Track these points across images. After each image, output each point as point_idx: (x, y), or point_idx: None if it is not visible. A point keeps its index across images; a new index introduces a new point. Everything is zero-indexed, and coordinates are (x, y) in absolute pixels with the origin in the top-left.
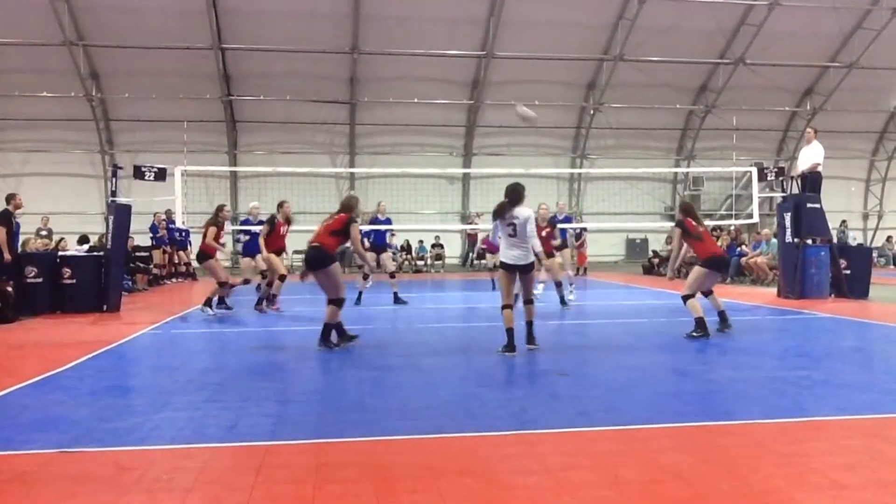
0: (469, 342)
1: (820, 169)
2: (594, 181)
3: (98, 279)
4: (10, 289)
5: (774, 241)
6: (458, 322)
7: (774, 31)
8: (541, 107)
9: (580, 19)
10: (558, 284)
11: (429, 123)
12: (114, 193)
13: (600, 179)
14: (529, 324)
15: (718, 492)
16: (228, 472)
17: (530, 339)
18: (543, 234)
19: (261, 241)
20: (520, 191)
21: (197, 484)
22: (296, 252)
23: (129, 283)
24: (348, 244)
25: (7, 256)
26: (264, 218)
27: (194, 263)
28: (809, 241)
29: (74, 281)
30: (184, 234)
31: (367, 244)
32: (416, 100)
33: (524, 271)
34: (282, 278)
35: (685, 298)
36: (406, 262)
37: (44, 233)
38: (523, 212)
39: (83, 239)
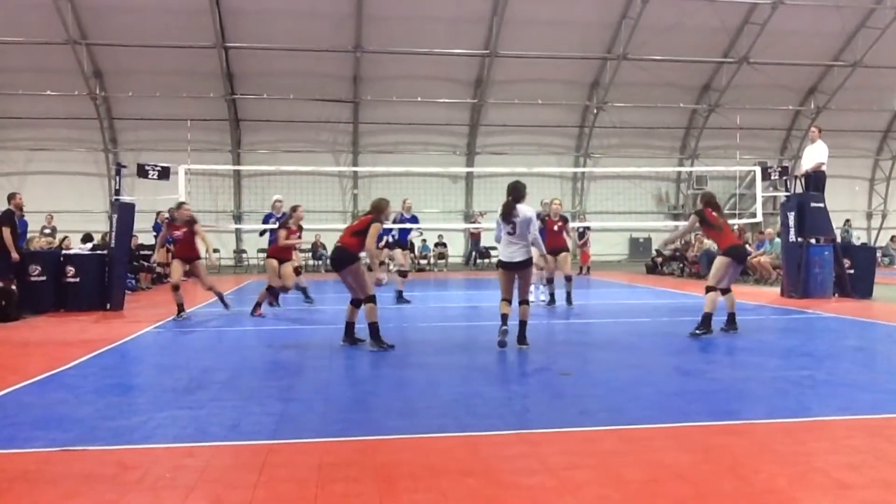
0: (471, 341)
1: (824, 168)
2: (597, 180)
3: (101, 278)
4: (13, 287)
5: (778, 240)
6: (461, 321)
7: (778, 29)
8: (544, 106)
9: (583, 18)
10: (568, 279)
11: (432, 122)
12: (117, 192)
13: (603, 178)
14: (522, 324)
15: (721, 492)
16: (231, 470)
17: (521, 338)
18: (556, 227)
19: (282, 242)
20: (521, 189)
21: (199, 482)
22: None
23: (133, 281)
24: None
25: (15, 256)
26: (286, 213)
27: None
28: (813, 241)
29: (78, 279)
30: None
31: (388, 241)
32: (419, 98)
33: (521, 268)
34: (270, 290)
35: (708, 289)
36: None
37: (47, 231)
38: (524, 211)
39: (87, 237)
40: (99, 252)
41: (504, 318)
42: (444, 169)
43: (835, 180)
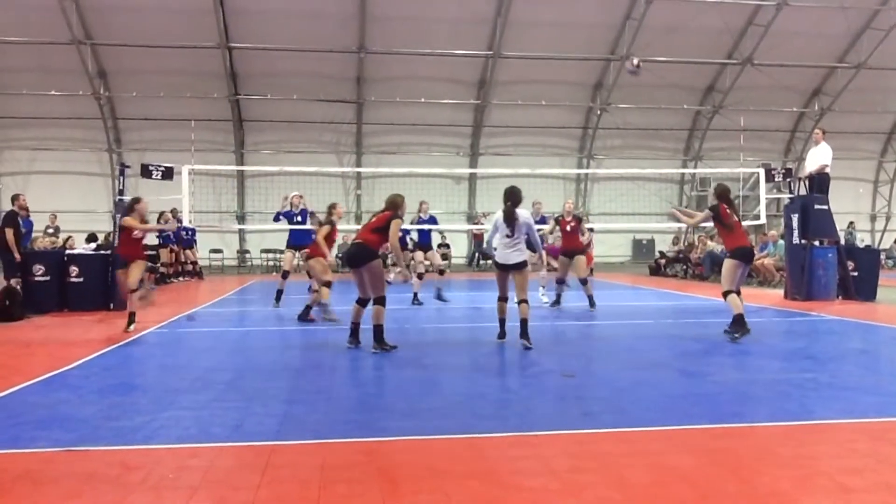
0: (475, 343)
1: (828, 170)
2: (601, 181)
3: (105, 278)
4: (17, 287)
5: (782, 242)
6: (464, 322)
7: (782, 31)
8: (547, 107)
9: (587, 19)
10: (583, 282)
11: (435, 123)
12: (121, 192)
13: (607, 180)
14: (523, 322)
15: (724, 494)
16: (234, 471)
17: (524, 334)
18: (568, 228)
19: (321, 240)
20: (518, 193)
21: (202, 483)
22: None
23: None
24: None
25: (17, 256)
26: (307, 209)
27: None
28: (817, 243)
29: (81, 279)
30: (190, 232)
31: (409, 244)
32: (422, 99)
33: (516, 269)
34: (328, 284)
35: (725, 294)
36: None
37: (51, 231)
38: (523, 214)
39: (91, 237)
40: (102, 252)
41: (502, 322)
42: (447, 170)
43: (839, 182)
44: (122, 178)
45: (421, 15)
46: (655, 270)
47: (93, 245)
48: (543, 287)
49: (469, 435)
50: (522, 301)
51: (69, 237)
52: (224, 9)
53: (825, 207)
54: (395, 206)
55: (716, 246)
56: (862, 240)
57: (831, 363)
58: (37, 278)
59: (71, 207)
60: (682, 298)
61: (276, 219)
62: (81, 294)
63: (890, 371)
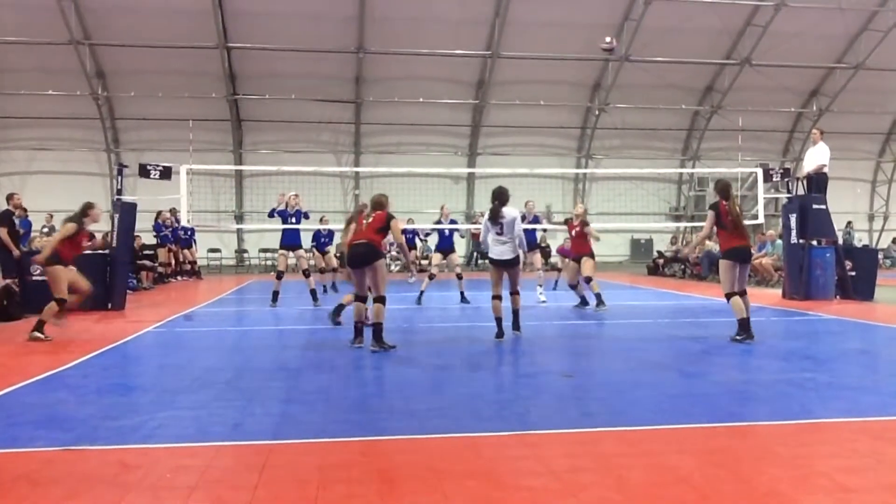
0: (473, 342)
1: (826, 170)
2: (599, 181)
3: (103, 277)
4: (15, 286)
5: (780, 242)
6: (463, 322)
7: (781, 31)
8: (546, 107)
9: (585, 20)
10: (587, 280)
11: (434, 123)
12: (119, 192)
13: (605, 180)
14: (515, 312)
15: (723, 494)
16: (232, 471)
17: (516, 325)
18: (573, 232)
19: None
20: (505, 193)
21: (201, 483)
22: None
23: (134, 281)
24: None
25: (16, 252)
26: (302, 209)
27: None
28: (815, 243)
29: None
30: (189, 232)
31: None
32: (421, 99)
33: (509, 265)
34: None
35: (728, 297)
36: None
37: (46, 230)
38: (510, 212)
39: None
40: (100, 252)
41: (499, 322)
42: (445, 170)
43: (837, 182)
44: (120, 178)
45: (420, 15)
46: (654, 270)
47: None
48: (541, 286)
49: (468, 434)
50: (514, 293)
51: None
52: (223, 9)
53: (823, 207)
54: (382, 205)
55: (713, 246)
56: (860, 239)
57: (830, 363)
58: (34, 278)
59: (69, 207)
60: (680, 298)
61: (271, 215)
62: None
63: (888, 370)
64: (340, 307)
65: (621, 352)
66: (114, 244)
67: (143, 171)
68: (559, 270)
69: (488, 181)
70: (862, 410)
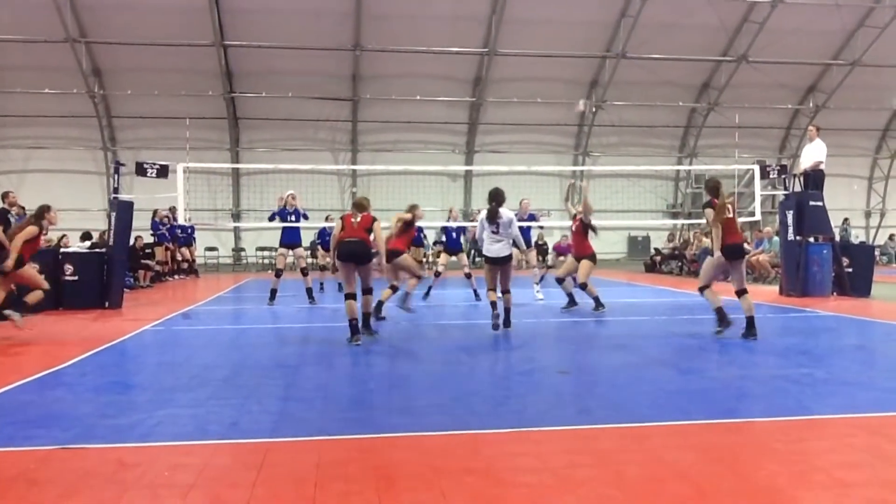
0: (470, 339)
1: (822, 167)
2: (596, 179)
3: (100, 276)
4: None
5: (776, 238)
6: (460, 319)
7: (777, 28)
8: (543, 104)
9: (583, 17)
10: (583, 286)
11: (431, 121)
12: (116, 190)
13: (602, 177)
14: (507, 310)
15: (721, 490)
16: (230, 469)
17: (507, 323)
18: (573, 228)
19: (395, 234)
20: (502, 194)
21: (199, 481)
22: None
23: (131, 279)
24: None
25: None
26: (300, 209)
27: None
28: (812, 239)
29: (76, 278)
30: (189, 230)
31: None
32: (418, 97)
33: (503, 263)
34: (419, 278)
35: (701, 290)
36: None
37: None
38: (506, 213)
39: (86, 236)
40: (98, 250)
41: (493, 304)
42: (443, 167)
43: (833, 179)
44: (116, 177)
45: (416, 12)
46: (651, 267)
47: (87, 243)
48: (538, 284)
49: (466, 431)
50: (506, 291)
51: (63, 236)
52: (219, 6)
53: (820, 204)
54: (365, 207)
55: (709, 243)
56: (856, 236)
57: (827, 359)
58: None
59: (65, 206)
60: (677, 295)
61: (272, 219)
62: (76, 292)
63: (885, 366)
64: (380, 304)
65: (619, 348)
66: (111, 242)
67: (140, 170)
68: (552, 268)
69: (486, 179)
70: (859, 406)
